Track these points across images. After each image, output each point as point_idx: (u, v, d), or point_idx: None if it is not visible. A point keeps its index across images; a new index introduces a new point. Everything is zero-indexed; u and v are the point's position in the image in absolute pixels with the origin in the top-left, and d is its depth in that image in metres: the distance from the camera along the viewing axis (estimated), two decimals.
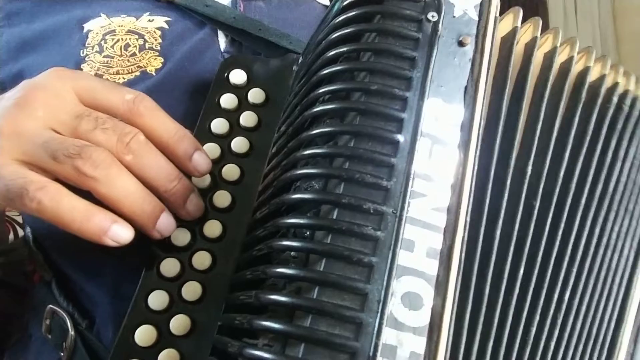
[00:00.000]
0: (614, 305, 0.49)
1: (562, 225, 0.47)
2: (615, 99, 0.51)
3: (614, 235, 0.50)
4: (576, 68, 0.51)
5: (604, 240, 0.49)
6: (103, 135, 0.41)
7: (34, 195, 0.39)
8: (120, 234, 0.41)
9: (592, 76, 0.51)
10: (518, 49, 0.48)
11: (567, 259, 0.47)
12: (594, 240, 0.48)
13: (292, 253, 0.38)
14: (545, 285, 0.45)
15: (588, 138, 0.49)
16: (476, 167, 0.40)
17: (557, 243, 0.46)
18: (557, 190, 0.46)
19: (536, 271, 0.45)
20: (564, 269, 0.46)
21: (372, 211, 0.37)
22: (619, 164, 0.50)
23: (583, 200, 0.48)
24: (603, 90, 0.51)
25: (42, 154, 0.40)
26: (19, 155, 0.40)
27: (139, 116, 0.43)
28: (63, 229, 0.40)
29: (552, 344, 0.45)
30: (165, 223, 0.43)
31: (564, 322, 0.46)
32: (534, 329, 0.44)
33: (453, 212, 0.39)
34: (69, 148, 0.40)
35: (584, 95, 0.50)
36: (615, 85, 0.52)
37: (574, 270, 0.47)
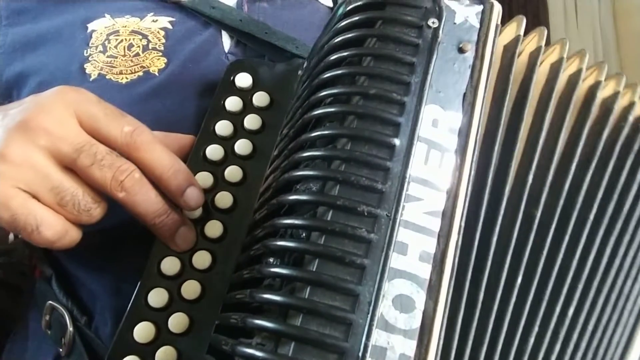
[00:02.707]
0: (623, 330, 0.49)
1: (567, 238, 0.46)
2: (631, 118, 0.50)
3: (628, 260, 0.49)
4: (586, 82, 0.50)
5: (616, 262, 0.48)
6: (99, 173, 0.42)
7: (44, 235, 0.41)
8: None
9: (604, 92, 0.51)
10: (522, 58, 0.48)
11: (571, 274, 0.46)
12: (604, 260, 0.48)
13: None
14: (546, 297, 0.45)
15: (598, 154, 0.48)
16: (473, 173, 0.40)
17: (561, 256, 0.46)
18: (561, 202, 0.46)
19: (536, 281, 0.45)
20: (568, 284, 0.46)
21: (366, 213, 0.37)
22: (635, 187, 0.49)
23: (591, 217, 0.47)
24: (617, 107, 0.50)
25: (51, 198, 0.41)
26: (21, 185, 0.41)
27: (135, 150, 0.44)
28: None
29: (554, 357, 0.45)
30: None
31: (566, 337, 0.46)
32: (532, 339, 0.44)
33: (448, 217, 0.39)
34: (80, 204, 0.42)
35: (594, 110, 0.49)
36: (631, 104, 0.51)
37: (580, 286, 0.46)
